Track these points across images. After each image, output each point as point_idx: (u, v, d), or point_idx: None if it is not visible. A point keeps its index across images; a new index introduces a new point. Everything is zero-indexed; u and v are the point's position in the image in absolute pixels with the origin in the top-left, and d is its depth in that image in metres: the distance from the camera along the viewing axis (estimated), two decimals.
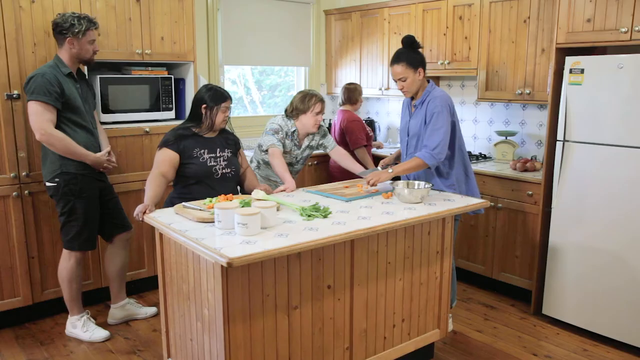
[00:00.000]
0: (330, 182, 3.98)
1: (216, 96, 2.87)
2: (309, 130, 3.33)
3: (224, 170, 2.93)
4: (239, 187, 3.13)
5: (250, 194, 2.94)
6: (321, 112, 3.30)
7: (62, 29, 2.92)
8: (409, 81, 2.93)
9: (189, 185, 2.86)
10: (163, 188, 2.73)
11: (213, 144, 2.93)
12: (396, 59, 2.94)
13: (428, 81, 3.02)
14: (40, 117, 2.85)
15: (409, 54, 2.93)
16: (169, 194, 2.97)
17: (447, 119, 2.88)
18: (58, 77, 2.90)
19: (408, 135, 3.08)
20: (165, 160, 2.79)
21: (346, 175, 3.89)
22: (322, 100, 3.31)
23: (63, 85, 2.92)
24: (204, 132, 2.91)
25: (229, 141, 3.03)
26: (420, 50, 2.98)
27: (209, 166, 2.88)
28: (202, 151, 2.87)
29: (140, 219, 2.51)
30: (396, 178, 3.08)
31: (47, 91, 2.84)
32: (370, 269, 2.52)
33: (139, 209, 2.53)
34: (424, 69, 2.95)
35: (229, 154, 2.98)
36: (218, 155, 2.93)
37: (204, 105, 2.86)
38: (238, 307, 2.08)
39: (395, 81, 2.98)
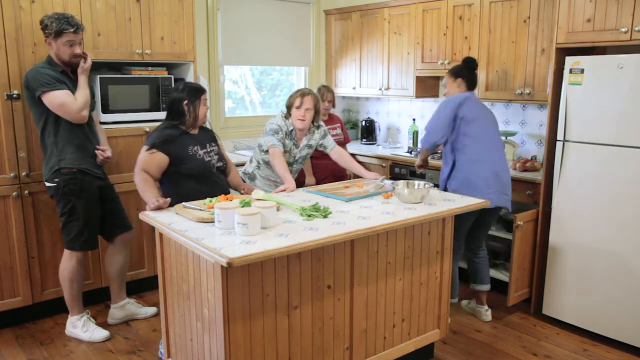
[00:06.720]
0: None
1: (194, 91, 2.88)
2: (295, 127, 3.25)
3: (217, 164, 2.93)
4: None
5: (234, 188, 3.00)
6: (302, 105, 3.18)
7: (41, 28, 2.93)
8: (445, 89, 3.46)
9: (185, 183, 2.82)
10: (154, 183, 2.75)
11: (202, 140, 2.92)
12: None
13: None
14: (68, 99, 2.89)
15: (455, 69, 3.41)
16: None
17: (443, 111, 3.25)
18: (54, 74, 2.91)
19: None
20: (154, 162, 2.75)
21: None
22: (303, 94, 3.19)
23: (61, 81, 2.93)
24: (189, 128, 2.90)
25: (211, 135, 3.04)
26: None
27: (206, 161, 2.87)
28: (196, 147, 2.85)
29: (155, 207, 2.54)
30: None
31: (52, 80, 2.87)
32: (370, 269, 2.52)
33: (157, 203, 2.55)
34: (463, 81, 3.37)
35: (216, 148, 3.00)
36: (209, 149, 2.93)
37: (185, 102, 2.84)
38: (238, 307, 2.08)
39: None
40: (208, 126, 3.06)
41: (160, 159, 2.76)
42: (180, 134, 2.85)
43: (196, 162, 2.83)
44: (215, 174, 2.91)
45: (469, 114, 3.22)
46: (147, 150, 2.76)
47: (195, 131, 2.93)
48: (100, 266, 3.54)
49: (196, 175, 2.83)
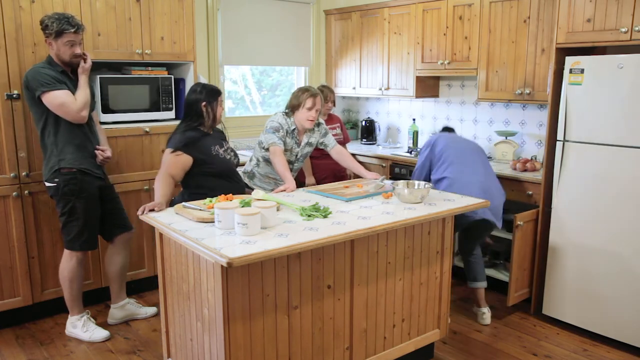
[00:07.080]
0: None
1: (212, 92, 2.96)
2: (304, 126, 3.28)
3: (235, 161, 3.05)
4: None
5: None
6: (314, 107, 3.21)
7: (41, 28, 2.93)
8: None
9: (209, 182, 2.86)
10: (172, 188, 2.77)
11: (219, 139, 3.01)
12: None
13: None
14: (68, 99, 2.88)
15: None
16: (180, 194, 2.96)
17: (422, 155, 3.51)
18: (54, 74, 2.91)
19: None
20: (179, 164, 2.79)
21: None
22: (314, 95, 3.22)
23: (61, 81, 2.93)
24: (208, 129, 2.96)
25: (223, 134, 3.12)
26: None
27: (228, 159, 2.97)
28: (216, 147, 2.93)
29: (145, 212, 2.51)
30: None
31: (52, 80, 2.87)
32: (370, 269, 2.52)
33: (148, 205, 2.54)
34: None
35: (230, 145, 3.09)
36: (226, 147, 3.02)
37: (203, 103, 2.91)
38: (238, 307, 2.08)
39: None
40: (220, 126, 3.11)
41: (184, 161, 2.81)
42: (201, 136, 2.91)
43: (220, 161, 2.91)
44: (234, 171, 3.02)
45: (439, 147, 3.43)
46: (172, 152, 2.81)
47: (210, 131, 3.00)
48: (100, 266, 3.54)
49: (220, 174, 2.90)
